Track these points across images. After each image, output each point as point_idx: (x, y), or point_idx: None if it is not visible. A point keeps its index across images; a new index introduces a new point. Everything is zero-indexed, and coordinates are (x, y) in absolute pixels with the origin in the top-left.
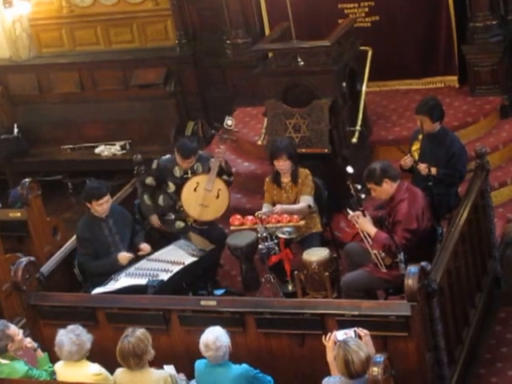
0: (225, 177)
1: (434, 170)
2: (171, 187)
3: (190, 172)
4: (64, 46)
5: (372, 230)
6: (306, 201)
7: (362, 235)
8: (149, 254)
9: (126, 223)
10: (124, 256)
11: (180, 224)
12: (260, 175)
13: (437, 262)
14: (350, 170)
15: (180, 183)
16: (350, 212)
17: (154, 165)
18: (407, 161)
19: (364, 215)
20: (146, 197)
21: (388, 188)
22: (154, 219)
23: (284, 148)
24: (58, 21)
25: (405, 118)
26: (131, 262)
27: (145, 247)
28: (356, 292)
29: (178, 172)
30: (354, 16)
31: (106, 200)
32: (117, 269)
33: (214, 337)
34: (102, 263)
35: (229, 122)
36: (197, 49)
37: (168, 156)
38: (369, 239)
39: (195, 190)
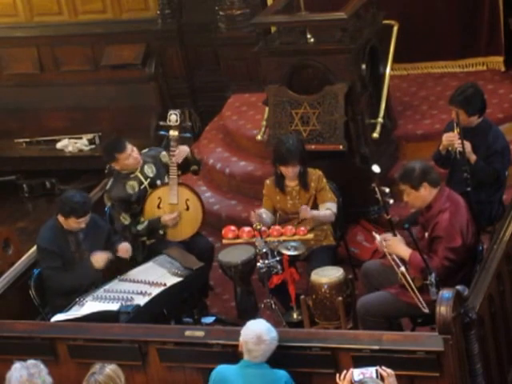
0: (195, 167)
1: (473, 158)
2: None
3: (142, 177)
4: (19, 15)
5: (406, 252)
6: (331, 208)
7: (389, 258)
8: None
9: (100, 238)
10: (98, 257)
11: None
12: (259, 177)
13: (476, 285)
14: (376, 169)
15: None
16: (378, 237)
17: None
18: (451, 136)
19: (394, 234)
20: (122, 214)
21: (426, 194)
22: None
23: (298, 153)
24: None
25: (437, 109)
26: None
27: (123, 247)
28: (375, 318)
29: (131, 188)
30: None
31: (87, 218)
32: (89, 279)
33: (266, 327)
34: (73, 276)
35: (172, 116)
36: (183, 21)
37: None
38: (397, 259)
39: (159, 207)
